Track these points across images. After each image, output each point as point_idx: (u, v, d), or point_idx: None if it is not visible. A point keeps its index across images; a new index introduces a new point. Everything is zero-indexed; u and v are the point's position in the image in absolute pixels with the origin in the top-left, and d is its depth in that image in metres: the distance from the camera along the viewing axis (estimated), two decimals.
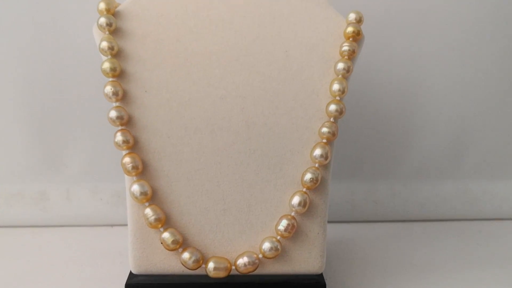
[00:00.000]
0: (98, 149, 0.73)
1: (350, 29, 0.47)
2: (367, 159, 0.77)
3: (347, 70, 0.46)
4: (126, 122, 0.45)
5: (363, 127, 0.76)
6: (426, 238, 0.71)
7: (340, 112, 0.46)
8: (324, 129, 0.46)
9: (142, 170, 0.45)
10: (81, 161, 0.74)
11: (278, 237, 0.46)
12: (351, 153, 0.76)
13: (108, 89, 0.45)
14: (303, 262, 0.47)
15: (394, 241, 0.69)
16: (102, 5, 0.46)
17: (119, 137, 0.45)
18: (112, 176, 0.73)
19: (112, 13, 0.46)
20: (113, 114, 0.45)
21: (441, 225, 0.76)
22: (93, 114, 0.72)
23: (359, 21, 0.48)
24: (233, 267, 0.45)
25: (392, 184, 0.78)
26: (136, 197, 0.45)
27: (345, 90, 0.46)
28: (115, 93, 0.45)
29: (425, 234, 0.72)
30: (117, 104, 0.45)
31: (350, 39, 0.47)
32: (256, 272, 0.46)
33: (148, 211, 0.45)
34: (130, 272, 0.47)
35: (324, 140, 0.46)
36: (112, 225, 0.74)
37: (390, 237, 0.71)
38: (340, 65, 0.46)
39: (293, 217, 0.46)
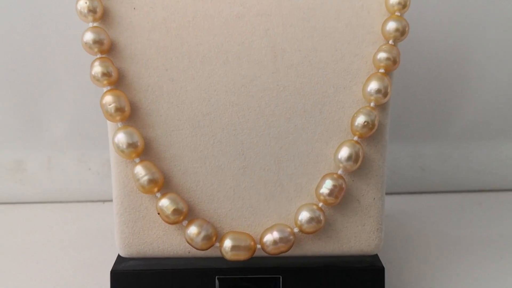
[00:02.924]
0: (85, 110, 0.70)
1: None
2: (411, 116, 0.74)
3: None
4: (107, 48, 0.39)
5: (407, 78, 0.72)
6: (485, 211, 0.67)
7: (402, 32, 0.40)
8: (382, 55, 0.39)
9: (130, 114, 0.39)
10: (65, 123, 0.71)
11: (320, 204, 0.40)
12: (392, 110, 0.64)
13: (82, 3, 0.39)
14: (354, 239, 0.42)
15: (446, 216, 0.65)
16: None
17: (97, 68, 0.38)
18: (102, 142, 0.68)
19: None
20: (89, 37, 0.38)
21: (503, 196, 0.72)
22: (78, 68, 0.68)
23: None
24: (259, 246, 0.40)
25: (442, 147, 0.75)
26: (122, 151, 0.38)
27: (407, 3, 0.40)
28: (92, 10, 0.39)
29: (484, 207, 0.68)
30: (95, 24, 0.39)
31: None
32: (290, 253, 0.40)
33: (139, 169, 0.39)
34: (118, 256, 0.43)
35: (382, 70, 0.39)
36: (103, 201, 0.70)
37: (441, 211, 0.67)
38: None
39: (341, 176, 0.40)
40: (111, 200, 0.63)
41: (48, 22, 0.67)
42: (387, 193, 0.68)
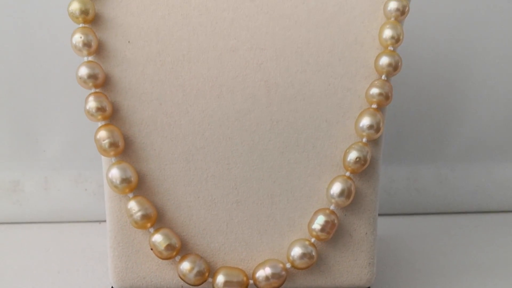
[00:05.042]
0: (82, 130, 0.68)
1: None
2: (408, 137, 0.72)
3: (402, 11, 0.40)
4: (102, 83, 0.39)
5: (403, 99, 0.71)
6: (482, 233, 0.66)
7: (395, 67, 0.40)
8: (374, 90, 0.39)
9: (123, 149, 0.39)
10: (61, 144, 0.70)
11: (313, 240, 0.40)
12: (388, 131, 0.68)
13: (77, 37, 0.39)
14: (346, 273, 0.41)
15: (443, 238, 0.64)
16: None
17: (91, 103, 0.38)
18: (98, 163, 0.66)
19: None
20: (83, 71, 0.38)
21: (500, 217, 0.71)
22: (75, 87, 0.61)
23: None
24: (251, 281, 0.40)
25: (439, 168, 0.73)
26: (116, 186, 0.38)
27: (400, 37, 0.40)
28: (86, 44, 0.38)
29: (480, 228, 0.67)
30: (90, 58, 0.39)
31: None
32: None
33: (133, 204, 0.38)
34: None
35: (374, 106, 0.40)
36: (99, 221, 0.69)
37: (437, 233, 0.65)
38: (393, 5, 0.40)
39: (333, 212, 0.39)
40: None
41: (45, 42, 0.67)
42: (382, 214, 0.67)
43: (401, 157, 0.73)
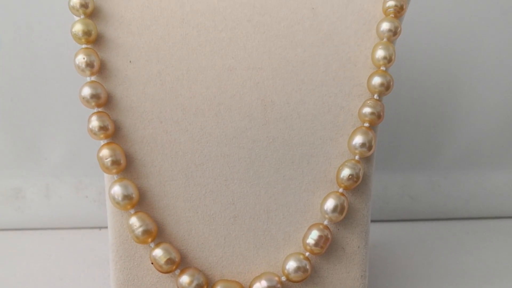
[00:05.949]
0: (83, 138, 0.68)
1: None
2: (402, 146, 0.73)
3: (394, 32, 0.41)
4: (104, 102, 0.39)
5: (397, 108, 0.71)
6: (473, 239, 0.66)
7: (387, 86, 0.40)
8: (366, 110, 0.40)
9: (125, 166, 0.40)
10: (62, 151, 0.70)
11: (307, 254, 0.40)
12: (383, 139, 0.70)
13: (80, 58, 0.39)
14: (339, 285, 0.41)
15: (435, 244, 0.64)
16: None
17: (94, 122, 0.39)
18: (99, 170, 0.66)
19: None
20: (86, 91, 0.39)
21: (491, 224, 0.72)
22: (76, 96, 0.64)
23: None
24: None
25: (432, 176, 0.74)
26: (118, 202, 0.39)
27: (392, 57, 0.40)
28: (89, 64, 0.39)
29: (472, 235, 0.68)
30: (92, 78, 0.40)
31: None
32: None
33: (134, 220, 0.39)
34: None
35: (366, 124, 0.40)
36: (99, 228, 0.69)
37: (430, 239, 0.66)
38: (385, 26, 0.41)
39: (327, 227, 0.40)
40: (107, 227, 0.64)
41: (47, 51, 0.66)
42: (376, 221, 0.69)
43: (395, 165, 0.73)
